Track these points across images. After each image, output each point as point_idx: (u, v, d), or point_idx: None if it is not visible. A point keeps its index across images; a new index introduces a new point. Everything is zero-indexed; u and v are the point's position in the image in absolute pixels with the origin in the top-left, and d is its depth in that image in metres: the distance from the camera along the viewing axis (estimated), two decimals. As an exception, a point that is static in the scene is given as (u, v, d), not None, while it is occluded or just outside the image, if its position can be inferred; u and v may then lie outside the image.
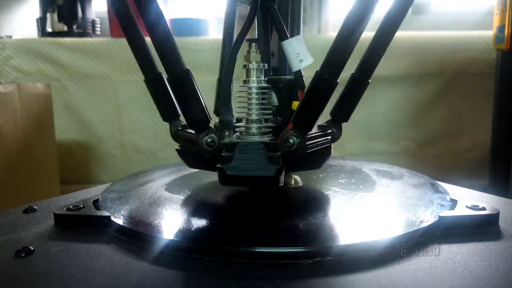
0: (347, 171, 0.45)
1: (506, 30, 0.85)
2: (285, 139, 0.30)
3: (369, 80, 0.35)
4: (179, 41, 0.36)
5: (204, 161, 0.33)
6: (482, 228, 0.30)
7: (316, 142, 0.32)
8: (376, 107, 1.13)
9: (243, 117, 0.35)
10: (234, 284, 0.23)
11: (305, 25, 1.15)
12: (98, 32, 1.31)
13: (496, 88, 0.96)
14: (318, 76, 0.29)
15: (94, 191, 0.39)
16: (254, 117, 0.34)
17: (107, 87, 1.15)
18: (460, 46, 1.12)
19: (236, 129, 0.35)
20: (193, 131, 0.32)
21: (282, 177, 0.30)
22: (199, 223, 0.31)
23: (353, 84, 0.35)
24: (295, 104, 0.35)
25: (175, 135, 0.35)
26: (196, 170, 0.47)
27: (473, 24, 1.18)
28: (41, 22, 1.26)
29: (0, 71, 1.12)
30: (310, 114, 0.30)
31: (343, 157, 0.54)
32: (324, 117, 0.35)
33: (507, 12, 0.85)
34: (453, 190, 0.38)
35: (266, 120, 0.35)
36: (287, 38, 0.36)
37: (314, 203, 0.36)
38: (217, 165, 0.30)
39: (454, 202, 0.33)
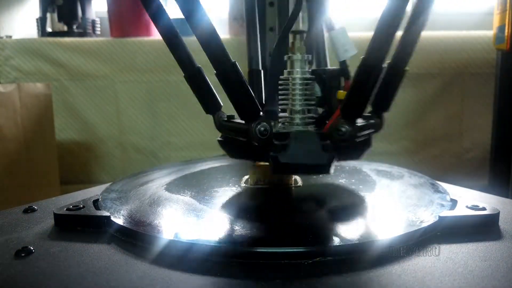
0: (347, 171, 0.45)
1: (506, 30, 0.85)
2: (336, 128, 0.30)
3: (407, 68, 0.35)
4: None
5: (249, 151, 0.33)
6: (482, 228, 0.30)
7: (365, 131, 0.33)
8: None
9: (287, 108, 0.36)
10: (234, 284, 0.23)
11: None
12: (98, 32, 1.31)
13: (496, 88, 0.96)
14: (364, 63, 0.29)
15: (94, 191, 0.39)
16: (298, 108, 0.35)
17: (107, 87, 1.15)
18: (460, 46, 1.12)
19: (280, 120, 0.36)
20: (241, 121, 0.32)
21: (333, 165, 0.31)
22: (199, 223, 0.31)
23: (391, 73, 0.35)
24: (341, 94, 0.35)
25: (220, 126, 0.35)
26: (196, 170, 0.47)
27: (473, 24, 1.18)
28: (41, 22, 1.26)
29: (0, 71, 1.12)
30: (358, 102, 0.30)
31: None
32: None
33: (507, 12, 0.85)
34: (453, 190, 0.38)
35: (309, 111, 0.36)
36: (333, 29, 0.36)
37: (314, 203, 0.36)
38: (271, 154, 0.31)
39: (454, 202, 0.33)
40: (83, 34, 1.26)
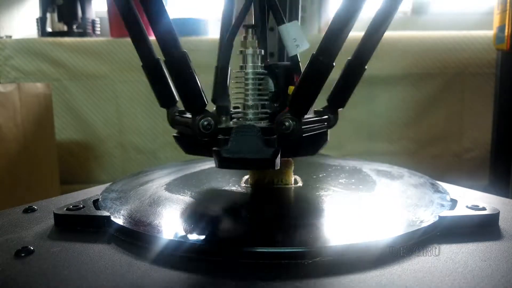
0: (347, 171, 0.45)
1: (506, 30, 0.85)
2: (281, 122, 0.30)
3: (365, 67, 0.35)
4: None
5: (201, 147, 0.33)
6: (482, 228, 0.30)
7: (312, 126, 0.33)
8: (376, 107, 1.13)
9: (240, 103, 0.35)
10: (234, 284, 0.23)
11: (305, 24, 1.15)
12: (98, 32, 1.31)
13: (496, 88, 0.96)
14: (314, 59, 0.29)
15: (94, 191, 0.39)
16: (250, 102, 0.34)
17: (107, 87, 1.15)
18: (460, 46, 1.12)
19: (233, 115, 0.36)
20: (190, 116, 0.32)
21: (278, 160, 0.30)
22: (199, 223, 0.31)
23: (349, 70, 0.35)
24: (292, 89, 0.35)
25: (172, 121, 0.36)
26: (196, 170, 0.47)
27: (473, 24, 1.18)
28: (41, 22, 1.26)
29: (0, 71, 1.12)
30: (306, 97, 0.30)
31: (343, 157, 0.54)
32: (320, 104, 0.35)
33: (507, 12, 0.85)
34: (453, 190, 0.38)
35: (263, 106, 0.35)
36: (284, 23, 0.36)
37: (314, 203, 0.36)
38: (213, 148, 0.30)
39: (454, 202, 0.33)
40: (83, 34, 1.26)
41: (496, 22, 0.90)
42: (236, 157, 0.30)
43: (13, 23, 1.39)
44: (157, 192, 0.37)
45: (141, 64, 0.35)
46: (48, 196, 0.40)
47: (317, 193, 0.37)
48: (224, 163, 0.30)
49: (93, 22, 1.29)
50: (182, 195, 0.37)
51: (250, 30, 0.35)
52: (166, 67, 0.31)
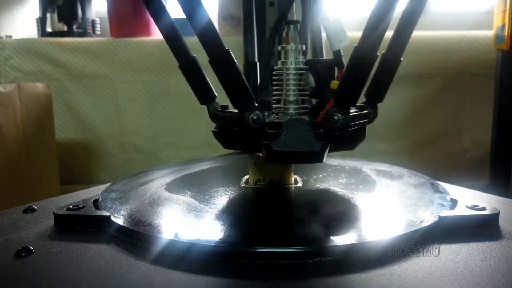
0: (347, 171, 0.45)
1: (506, 30, 0.85)
2: (330, 116, 0.30)
3: (401, 59, 0.35)
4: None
5: (243, 142, 0.34)
6: (482, 228, 0.30)
7: (358, 120, 0.33)
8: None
9: (281, 98, 0.36)
10: (234, 284, 0.23)
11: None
12: (98, 32, 1.31)
13: (496, 88, 0.96)
14: (357, 51, 0.29)
15: (94, 191, 0.39)
16: (291, 98, 0.35)
17: (107, 87, 1.15)
18: (460, 46, 1.12)
19: (274, 110, 0.36)
20: (235, 111, 0.32)
21: (325, 154, 0.31)
22: (199, 223, 0.31)
23: (384, 64, 0.35)
24: (334, 84, 0.35)
25: (214, 116, 0.36)
26: (196, 170, 0.47)
27: (473, 24, 1.18)
28: (41, 22, 1.26)
29: (0, 71, 1.12)
30: (352, 90, 0.30)
31: (343, 157, 0.54)
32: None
33: (507, 12, 0.85)
34: (453, 190, 0.38)
35: (303, 101, 0.36)
36: (327, 18, 0.37)
37: (314, 203, 0.36)
38: (264, 142, 0.31)
39: (454, 202, 0.33)
40: (83, 34, 1.26)
41: (496, 22, 0.90)
42: (287, 150, 0.30)
43: (13, 23, 1.39)
44: (157, 192, 0.37)
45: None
46: (48, 196, 0.40)
47: (317, 193, 0.37)
48: (274, 157, 0.31)
49: (93, 22, 1.29)
50: (182, 195, 0.37)
51: (291, 26, 0.35)
52: (212, 66, 0.31)
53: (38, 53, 1.13)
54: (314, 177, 0.42)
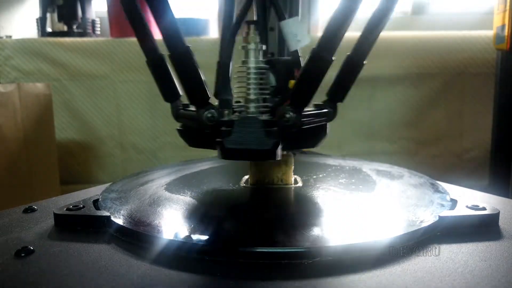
0: (347, 171, 0.45)
1: (506, 30, 0.85)
2: (282, 114, 0.31)
3: (365, 62, 0.35)
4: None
5: (204, 140, 0.34)
6: (482, 228, 0.30)
7: (312, 118, 0.33)
8: (376, 107, 1.13)
9: (242, 97, 0.36)
10: (234, 284, 0.23)
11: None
12: (98, 32, 1.31)
13: (496, 88, 0.96)
14: (314, 54, 0.30)
15: (94, 191, 0.39)
16: (252, 96, 0.35)
17: (107, 87, 1.15)
18: (460, 46, 1.12)
19: (235, 109, 0.36)
20: (194, 109, 0.33)
21: (278, 151, 0.31)
22: (199, 223, 0.31)
23: (348, 65, 0.35)
24: (292, 83, 0.36)
25: (176, 114, 0.36)
26: (196, 170, 0.47)
27: (473, 24, 1.18)
28: (41, 22, 1.26)
29: (0, 71, 1.12)
30: (306, 91, 0.31)
31: (343, 157, 0.54)
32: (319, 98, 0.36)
33: (507, 12, 0.85)
34: (453, 190, 0.38)
35: (264, 100, 0.36)
36: (285, 18, 0.37)
37: (314, 203, 0.36)
38: (217, 139, 0.31)
39: (454, 202, 0.33)
40: (83, 34, 1.26)
41: (496, 22, 0.90)
42: (239, 147, 0.31)
43: (13, 23, 1.39)
44: (157, 192, 0.37)
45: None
46: (48, 196, 0.40)
47: (317, 193, 0.37)
48: (227, 154, 0.31)
49: (93, 22, 1.29)
50: (182, 195, 0.37)
51: (252, 26, 0.35)
52: (171, 61, 0.32)
53: (38, 53, 1.13)
54: (314, 177, 0.42)
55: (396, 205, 0.34)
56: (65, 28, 1.28)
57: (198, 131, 0.33)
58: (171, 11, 0.30)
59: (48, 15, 1.29)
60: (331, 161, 0.51)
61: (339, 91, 0.36)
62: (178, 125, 0.37)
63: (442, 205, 0.32)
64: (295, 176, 0.41)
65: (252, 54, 0.35)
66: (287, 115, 0.31)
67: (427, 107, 1.15)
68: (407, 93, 1.14)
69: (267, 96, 0.36)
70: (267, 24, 0.41)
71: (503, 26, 0.87)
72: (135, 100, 1.15)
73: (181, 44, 0.31)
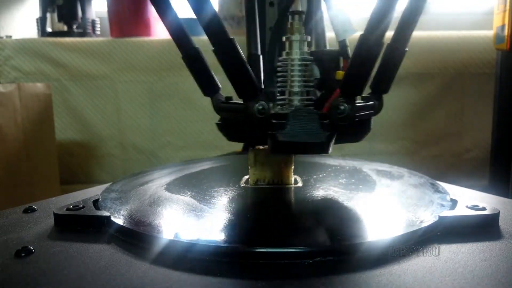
0: (347, 171, 0.45)
1: (506, 30, 0.85)
2: (336, 106, 0.30)
3: (406, 49, 0.34)
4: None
5: (247, 133, 0.33)
6: (482, 228, 0.30)
7: (363, 111, 0.32)
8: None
9: (285, 90, 0.35)
10: (234, 284, 0.23)
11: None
12: (98, 32, 1.31)
13: (496, 88, 0.96)
14: (363, 39, 0.29)
15: (94, 191, 0.39)
16: (296, 89, 0.34)
17: (107, 87, 1.15)
18: (460, 46, 1.12)
19: (278, 102, 0.36)
20: (239, 102, 0.32)
21: (331, 144, 0.30)
22: (199, 223, 0.31)
23: (389, 54, 0.34)
24: (340, 74, 0.35)
25: (218, 108, 0.35)
26: (196, 170, 0.47)
27: (473, 24, 1.18)
28: (41, 22, 1.26)
29: (0, 71, 1.12)
30: (358, 79, 0.30)
31: (343, 157, 0.54)
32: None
33: (507, 12, 0.85)
34: (453, 190, 0.38)
35: (308, 93, 0.35)
36: (332, 8, 0.37)
37: (314, 203, 0.36)
38: (269, 132, 0.30)
39: (454, 202, 0.33)
40: (83, 34, 1.26)
41: (496, 22, 0.90)
42: (292, 140, 0.30)
43: (13, 23, 1.39)
44: (157, 192, 0.37)
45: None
46: (48, 196, 0.40)
47: (317, 193, 0.37)
48: (279, 147, 0.30)
49: (93, 22, 1.29)
50: (182, 195, 0.37)
51: (296, 16, 0.35)
52: (216, 56, 0.31)
53: (38, 53, 1.13)
54: (314, 177, 0.42)
55: (396, 205, 0.34)
56: (65, 28, 1.28)
57: (240, 124, 0.32)
58: (211, 4, 0.29)
59: (48, 15, 1.29)
60: (331, 161, 0.51)
61: (382, 82, 0.35)
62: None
63: (442, 205, 0.32)
64: (295, 176, 0.41)
65: (296, 45, 0.34)
66: (342, 107, 0.29)
67: (427, 107, 1.15)
68: (407, 93, 1.14)
69: (311, 89, 0.35)
70: (312, 14, 0.40)
71: (503, 26, 0.87)
72: (135, 100, 1.15)
73: (225, 36, 0.30)
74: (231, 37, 0.30)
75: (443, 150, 1.17)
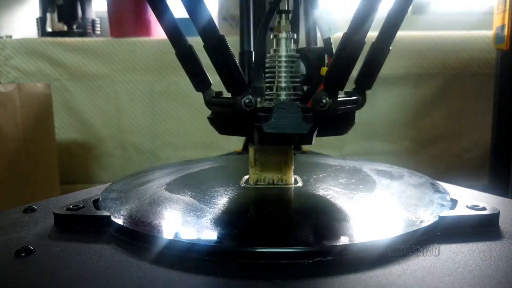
0: (347, 171, 0.45)
1: (506, 30, 0.85)
2: (318, 99, 0.31)
3: (390, 48, 0.36)
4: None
5: (237, 127, 0.35)
6: (482, 228, 0.30)
7: (346, 104, 0.34)
8: (376, 107, 1.13)
9: (273, 85, 0.37)
10: (234, 284, 0.23)
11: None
12: (98, 32, 1.31)
13: (496, 88, 0.96)
14: (346, 38, 0.30)
15: (94, 191, 0.39)
16: (283, 84, 0.36)
17: (107, 87, 1.15)
18: (460, 46, 1.12)
19: (266, 97, 0.38)
20: (228, 96, 0.33)
21: (314, 136, 0.32)
22: (199, 223, 0.31)
23: (373, 53, 0.36)
24: (324, 70, 0.37)
25: (209, 103, 0.37)
26: (196, 170, 0.47)
27: (473, 24, 1.18)
28: (41, 22, 1.26)
29: (0, 71, 1.12)
30: (340, 75, 0.32)
31: (343, 157, 0.54)
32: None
33: (507, 12, 0.85)
34: (453, 190, 0.38)
35: (295, 88, 0.37)
36: (318, 7, 0.39)
37: (314, 203, 0.36)
38: (255, 124, 0.32)
39: (454, 202, 0.33)
40: (83, 34, 1.26)
41: (496, 22, 0.90)
42: (277, 132, 0.31)
43: (13, 23, 1.39)
44: (157, 192, 0.37)
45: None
46: (48, 196, 0.40)
47: (317, 193, 0.37)
48: (265, 139, 0.32)
49: (93, 22, 1.29)
50: (182, 195, 0.37)
51: (283, 15, 0.37)
52: (206, 51, 0.32)
53: (38, 53, 1.13)
54: (314, 177, 0.42)
55: (396, 205, 0.34)
56: (65, 28, 1.28)
57: (230, 119, 0.34)
58: (203, 1, 0.30)
59: (48, 15, 1.29)
60: (331, 161, 0.51)
61: (366, 78, 0.37)
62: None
63: (442, 205, 0.32)
64: (295, 176, 0.41)
65: (283, 43, 0.36)
66: (323, 100, 0.31)
67: (427, 107, 1.15)
68: (407, 93, 1.14)
69: (298, 84, 0.37)
70: (298, 13, 0.43)
71: (503, 26, 0.87)
72: (135, 100, 1.15)
73: (216, 33, 0.31)
74: (221, 34, 0.31)
75: (443, 150, 1.17)
